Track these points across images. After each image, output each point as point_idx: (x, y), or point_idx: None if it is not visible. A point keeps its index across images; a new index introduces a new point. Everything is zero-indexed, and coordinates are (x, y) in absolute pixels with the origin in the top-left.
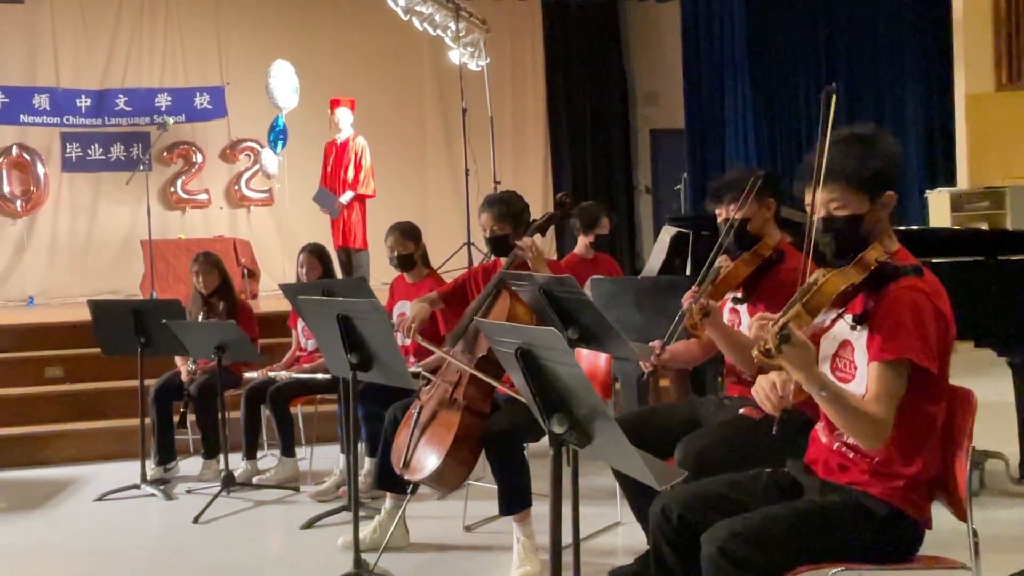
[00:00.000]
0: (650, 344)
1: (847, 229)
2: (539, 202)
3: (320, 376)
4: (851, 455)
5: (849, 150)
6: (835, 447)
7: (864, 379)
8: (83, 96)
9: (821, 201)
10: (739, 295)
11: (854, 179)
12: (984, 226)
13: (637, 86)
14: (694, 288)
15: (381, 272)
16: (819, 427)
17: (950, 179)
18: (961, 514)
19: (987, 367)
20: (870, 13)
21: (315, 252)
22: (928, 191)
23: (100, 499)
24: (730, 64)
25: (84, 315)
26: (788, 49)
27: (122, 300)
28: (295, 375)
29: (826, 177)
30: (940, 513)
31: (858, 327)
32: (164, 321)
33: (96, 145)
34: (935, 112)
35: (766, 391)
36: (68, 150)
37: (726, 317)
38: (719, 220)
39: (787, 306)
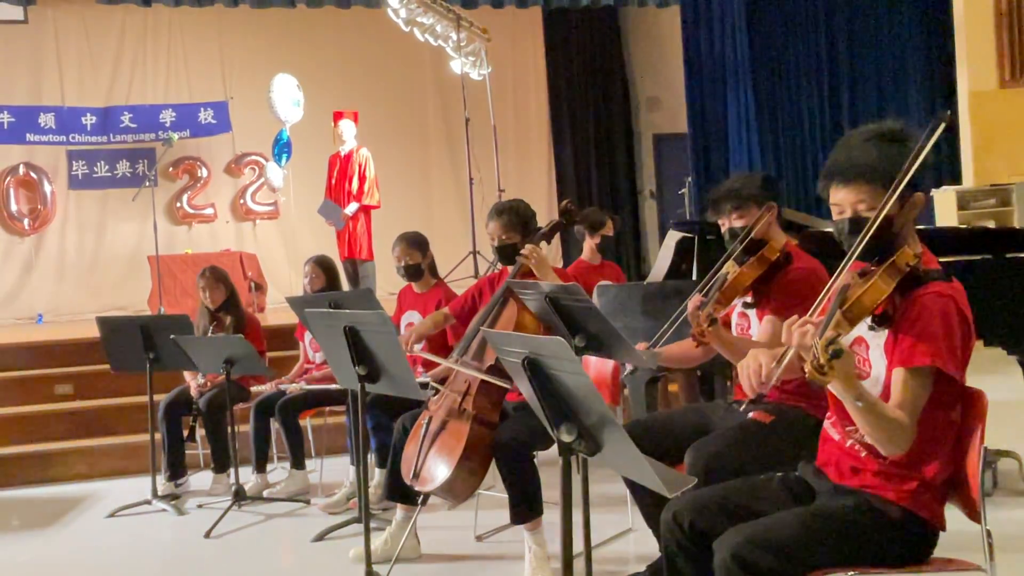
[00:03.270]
0: (636, 346)
1: (878, 231)
2: (544, 209)
3: (331, 387)
4: (863, 454)
5: (879, 149)
6: (848, 444)
7: (879, 378)
8: (88, 114)
9: (848, 201)
10: (749, 299)
11: (885, 180)
12: (991, 224)
13: (639, 91)
14: (700, 296)
15: (388, 282)
16: (828, 424)
17: (956, 177)
18: (974, 515)
19: (997, 365)
20: (872, 13)
21: (320, 263)
22: (934, 190)
23: (112, 515)
24: (732, 67)
25: (93, 332)
26: (790, 51)
27: (130, 316)
28: (304, 386)
29: (854, 176)
30: (953, 515)
31: (877, 328)
32: (172, 337)
33: (102, 162)
34: (938, 111)
35: (751, 371)
36: (74, 168)
37: (735, 321)
38: (722, 229)
39: (828, 315)
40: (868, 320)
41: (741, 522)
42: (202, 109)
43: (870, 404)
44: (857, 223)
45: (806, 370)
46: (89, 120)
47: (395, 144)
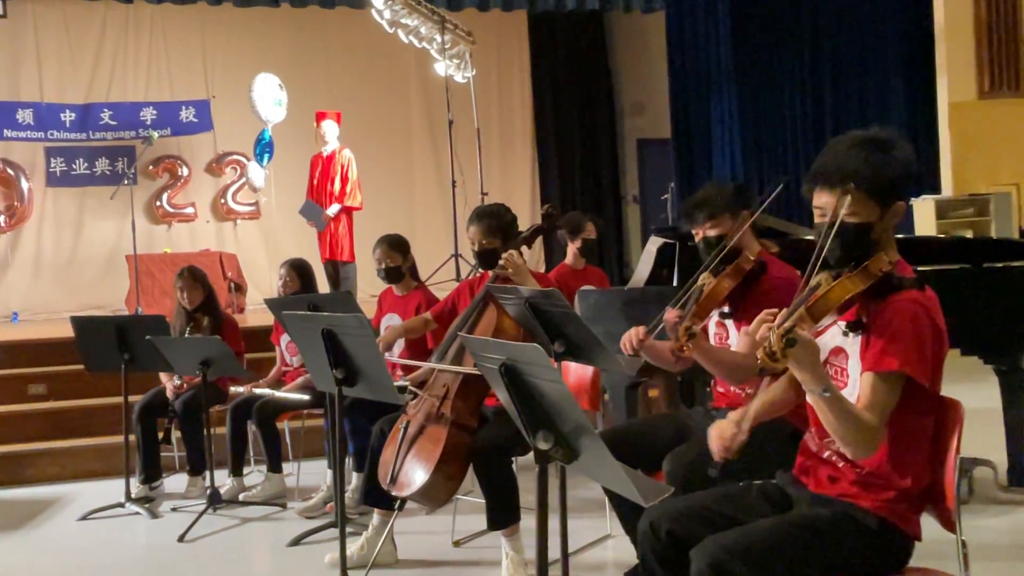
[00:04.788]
0: (635, 330)
1: (856, 236)
2: (527, 213)
3: (304, 397)
4: (840, 464)
5: (867, 155)
6: (825, 455)
7: (856, 387)
8: (67, 110)
9: (830, 205)
10: (726, 309)
11: (869, 186)
12: (969, 233)
13: (624, 96)
14: (677, 310)
15: (369, 284)
16: (808, 436)
17: (935, 187)
18: (950, 525)
19: (973, 374)
20: (854, 23)
21: (295, 266)
22: (913, 199)
23: (84, 518)
24: (716, 74)
25: (68, 331)
26: (773, 58)
27: (105, 316)
28: (279, 394)
29: (838, 181)
30: (929, 523)
31: (851, 334)
32: (148, 337)
33: (81, 160)
34: (919, 120)
35: (715, 437)
36: (52, 165)
37: (714, 331)
38: (696, 239)
39: (791, 308)
40: (843, 327)
41: (719, 530)
42: (183, 107)
43: (836, 397)
44: (839, 226)
45: (759, 356)
46: (68, 117)
47: (378, 146)
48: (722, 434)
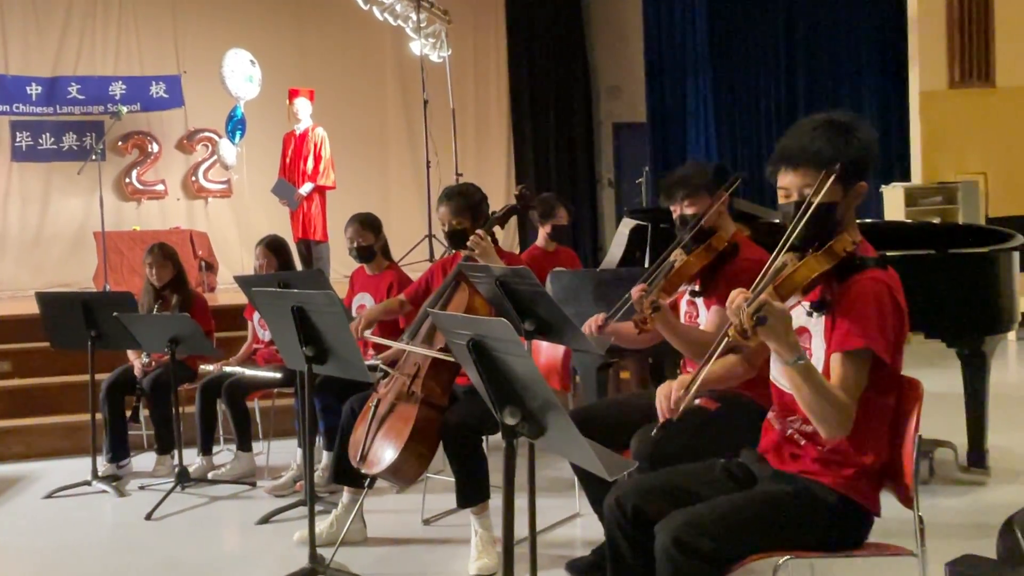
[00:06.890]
0: (594, 317)
1: (820, 217)
2: (501, 194)
3: (275, 375)
4: (802, 442)
5: (828, 136)
6: (788, 433)
7: (820, 366)
8: (33, 83)
9: (795, 185)
10: (696, 288)
11: (830, 166)
12: (936, 220)
13: (600, 79)
14: (644, 284)
15: (342, 264)
16: (771, 415)
17: (904, 174)
18: (908, 502)
19: (937, 358)
20: (829, 10)
21: (271, 246)
22: (883, 186)
23: (49, 496)
24: (691, 58)
25: (34, 308)
26: (749, 43)
27: (71, 292)
28: (248, 372)
29: (801, 162)
30: (890, 501)
31: (815, 314)
32: (115, 314)
33: (47, 134)
34: (891, 109)
35: (661, 397)
36: (18, 139)
37: (684, 309)
38: (674, 216)
39: (759, 288)
40: (807, 307)
41: (683, 506)
42: (153, 83)
43: (808, 367)
44: (801, 208)
45: (730, 333)
46: (34, 90)
47: (352, 124)
48: (668, 394)
